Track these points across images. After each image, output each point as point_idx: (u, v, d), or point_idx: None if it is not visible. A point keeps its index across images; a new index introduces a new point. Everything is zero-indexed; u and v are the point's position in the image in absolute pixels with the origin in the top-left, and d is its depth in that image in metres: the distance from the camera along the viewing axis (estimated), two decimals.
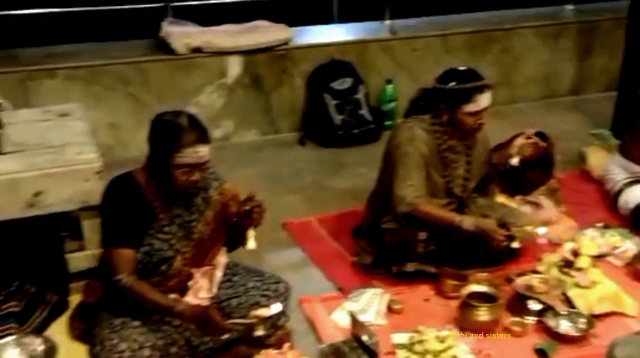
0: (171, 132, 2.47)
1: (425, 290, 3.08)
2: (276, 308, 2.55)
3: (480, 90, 2.98)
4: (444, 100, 3.02)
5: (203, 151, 2.48)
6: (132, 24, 4.66)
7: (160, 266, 2.60)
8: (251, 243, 2.60)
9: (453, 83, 3.00)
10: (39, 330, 2.77)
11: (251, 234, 2.60)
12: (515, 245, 3.07)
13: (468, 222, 2.98)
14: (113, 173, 2.70)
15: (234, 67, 4.58)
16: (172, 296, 2.61)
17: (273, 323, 2.62)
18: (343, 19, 5.34)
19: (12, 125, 3.14)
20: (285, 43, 4.70)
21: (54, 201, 2.90)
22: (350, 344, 2.60)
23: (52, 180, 2.88)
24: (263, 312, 2.54)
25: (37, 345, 2.65)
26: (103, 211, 2.64)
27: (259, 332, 2.52)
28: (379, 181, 3.26)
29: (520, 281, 2.99)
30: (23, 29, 4.45)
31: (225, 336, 2.53)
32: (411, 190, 2.98)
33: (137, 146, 4.11)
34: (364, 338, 2.55)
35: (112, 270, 2.50)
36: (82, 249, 3.02)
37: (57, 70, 4.18)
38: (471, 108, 2.98)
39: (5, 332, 2.67)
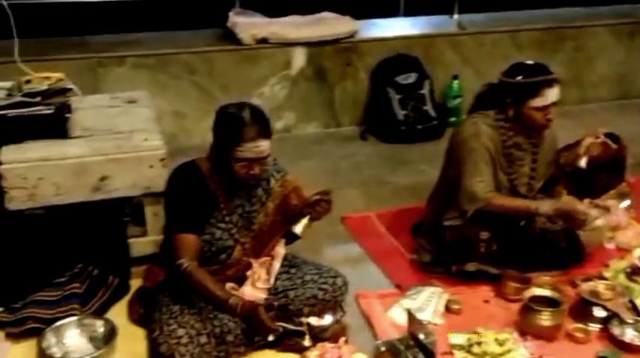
0: (233, 125, 2.48)
1: (485, 291, 3.02)
2: (327, 319, 2.53)
3: (549, 84, 2.90)
4: (511, 94, 2.95)
5: (263, 146, 2.49)
6: (199, 13, 4.70)
7: (220, 255, 2.62)
8: (298, 228, 2.59)
9: (520, 77, 2.93)
10: (100, 312, 2.82)
11: (304, 220, 2.59)
12: (599, 222, 3.01)
13: (545, 206, 2.92)
14: (176, 161, 2.74)
15: (299, 58, 4.57)
16: (231, 285, 2.63)
17: (321, 332, 2.60)
18: (409, 12, 5.27)
19: (81, 110, 3.21)
20: (351, 36, 4.67)
21: (119, 185, 2.96)
22: (406, 342, 2.56)
23: (117, 165, 2.93)
24: (314, 321, 2.52)
25: (98, 327, 2.71)
26: (167, 197, 2.68)
27: (306, 342, 2.52)
28: (441, 178, 3.21)
29: (585, 287, 2.90)
30: (94, 16, 4.54)
31: (270, 338, 2.52)
32: (482, 186, 2.92)
33: (200, 135, 4.17)
34: (421, 336, 2.52)
35: (175, 255, 2.53)
36: (144, 234, 3.07)
37: (125, 57, 4.25)
38: (538, 102, 2.91)
39: (68, 313, 2.73)
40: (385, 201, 3.84)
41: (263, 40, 4.49)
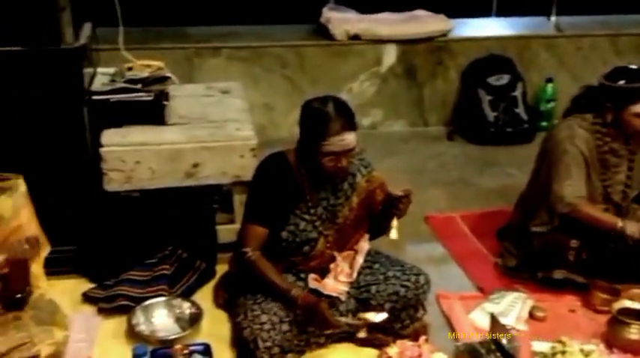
0: (317, 120, 2.50)
1: (571, 300, 2.95)
2: (381, 316, 2.54)
3: None
4: (611, 99, 2.87)
5: (349, 139, 2.49)
6: (294, 8, 4.76)
7: (304, 246, 2.65)
8: (393, 233, 2.59)
9: (622, 81, 2.85)
10: (186, 294, 2.90)
11: (394, 223, 2.59)
12: None
13: (632, 227, 2.81)
14: (264, 152, 2.79)
15: (390, 55, 4.57)
16: (313, 276, 2.66)
17: (378, 328, 2.60)
18: (502, 13, 5.18)
19: (178, 98, 3.32)
20: (444, 35, 4.64)
21: (210, 173, 3.04)
22: (487, 346, 2.52)
23: (210, 153, 3.02)
24: (370, 317, 2.53)
25: (185, 308, 2.79)
26: (252, 186, 2.72)
27: (362, 334, 2.54)
28: (531, 182, 3.15)
29: None
30: (194, 8, 4.67)
31: (329, 331, 2.54)
32: (571, 190, 2.86)
33: (288, 128, 4.25)
34: (503, 341, 2.48)
35: (241, 242, 2.60)
36: (231, 221, 3.14)
37: (221, 48, 4.36)
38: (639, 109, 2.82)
39: (157, 293, 2.83)
40: (470, 202, 3.80)
41: (355, 36, 4.51)
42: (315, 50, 4.51)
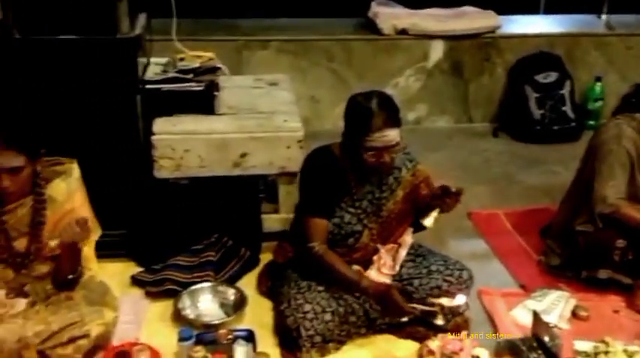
0: (360, 115, 2.52)
1: (615, 300, 2.92)
2: (460, 299, 2.52)
3: None
4: None
5: (391, 135, 2.50)
6: (342, 2, 4.78)
7: (348, 238, 2.68)
8: (429, 221, 2.60)
9: None
10: (230, 281, 2.96)
11: (434, 213, 2.60)
12: None
13: None
14: (309, 144, 2.82)
15: (437, 51, 4.56)
16: (357, 267, 2.69)
17: (453, 312, 2.60)
18: (549, 10, 5.12)
19: (227, 89, 3.36)
20: (492, 31, 4.60)
21: (257, 163, 3.08)
22: (529, 343, 2.52)
23: (257, 143, 3.06)
24: (446, 302, 2.53)
25: (230, 295, 2.85)
26: (303, 180, 2.76)
27: (439, 321, 2.52)
28: (577, 180, 3.12)
29: None
30: (245, 0, 4.72)
31: (404, 318, 2.56)
32: (614, 191, 2.83)
33: (332, 121, 4.26)
34: (546, 339, 2.47)
35: (306, 237, 2.61)
36: (275, 211, 3.19)
37: (270, 41, 4.40)
38: None
39: (203, 278, 2.89)
40: (514, 199, 3.78)
41: (403, 31, 4.51)
42: (362, 44, 4.52)
